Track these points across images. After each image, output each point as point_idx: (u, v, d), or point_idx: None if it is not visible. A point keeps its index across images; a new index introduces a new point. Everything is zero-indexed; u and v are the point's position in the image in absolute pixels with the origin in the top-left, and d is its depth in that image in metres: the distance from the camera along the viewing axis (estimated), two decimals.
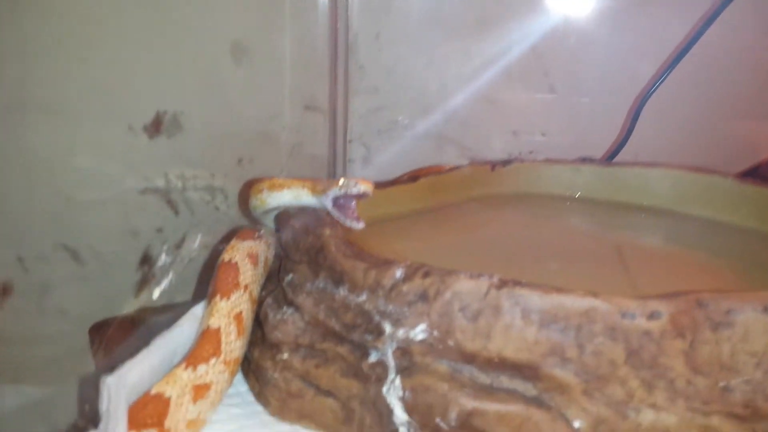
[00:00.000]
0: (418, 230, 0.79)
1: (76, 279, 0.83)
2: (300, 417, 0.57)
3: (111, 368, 0.51)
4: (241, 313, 0.60)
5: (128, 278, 0.86)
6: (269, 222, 0.71)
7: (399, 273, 0.50)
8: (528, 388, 0.47)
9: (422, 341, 0.49)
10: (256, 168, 0.93)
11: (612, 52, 1.00)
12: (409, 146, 1.07)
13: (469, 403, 0.47)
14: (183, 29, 0.85)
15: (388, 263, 0.51)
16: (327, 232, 0.58)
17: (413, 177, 0.83)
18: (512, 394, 0.47)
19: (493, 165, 0.90)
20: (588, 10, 0.99)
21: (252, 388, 0.61)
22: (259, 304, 0.63)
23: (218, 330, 0.58)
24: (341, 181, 0.62)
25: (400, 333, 0.49)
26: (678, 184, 0.84)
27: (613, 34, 1.00)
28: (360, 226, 0.62)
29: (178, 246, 0.88)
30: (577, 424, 0.46)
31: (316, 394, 0.55)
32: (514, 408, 0.46)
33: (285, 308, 0.59)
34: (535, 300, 0.46)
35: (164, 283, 0.86)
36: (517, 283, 0.46)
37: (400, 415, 0.50)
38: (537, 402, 0.46)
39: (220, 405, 0.60)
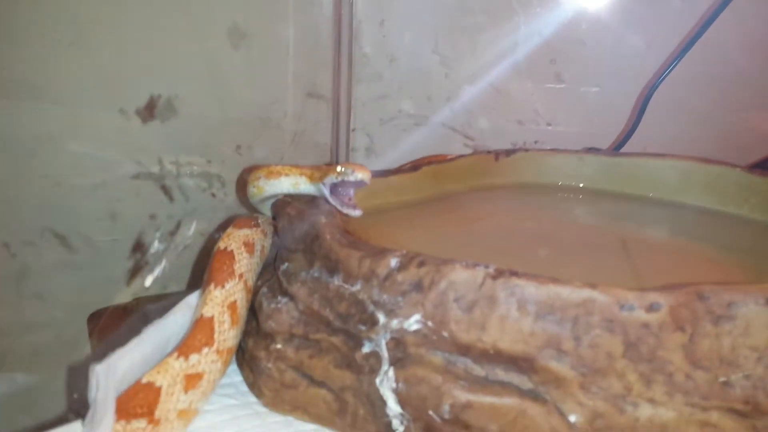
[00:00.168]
0: (419, 220, 0.78)
1: (66, 266, 0.82)
2: (293, 408, 0.56)
3: (101, 357, 0.50)
4: (235, 302, 0.60)
5: (120, 265, 0.86)
6: (267, 210, 0.70)
7: (394, 262, 0.50)
8: (523, 381, 0.46)
9: (416, 332, 0.48)
10: (255, 155, 0.92)
11: (620, 41, 0.99)
12: (413, 135, 1.06)
13: (463, 395, 0.46)
14: (179, 12, 0.85)
15: (383, 252, 0.51)
16: (323, 220, 0.57)
17: (415, 166, 0.82)
18: (507, 387, 0.46)
19: (497, 154, 0.89)
20: None
21: (246, 379, 0.61)
22: (254, 294, 0.62)
23: (211, 319, 0.57)
24: (339, 168, 0.62)
25: (394, 323, 0.49)
26: (685, 175, 0.83)
27: (622, 22, 0.98)
28: (357, 213, 0.62)
29: (173, 233, 0.88)
30: (573, 418, 0.45)
31: (310, 384, 0.55)
32: (508, 401, 0.46)
33: (279, 297, 0.58)
34: (531, 291, 0.45)
35: (157, 271, 0.86)
36: (514, 273, 0.46)
37: (393, 407, 0.49)
38: (532, 395, 0.46)
39: (214, 395, 0.59)
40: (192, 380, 0.54)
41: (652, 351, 0.43)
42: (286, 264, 0.60)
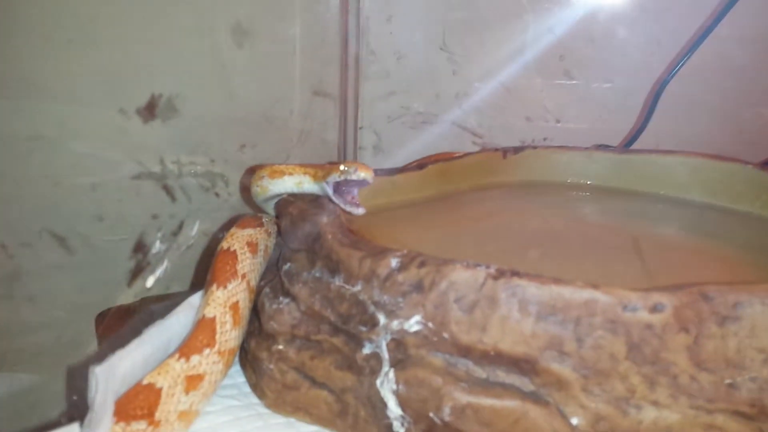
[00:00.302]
0: (425, 219, 0.78)
1: (65, 267, 0.82)
2: (295, 409, 0.56)
3: (101, 358, 0.50)
4: (237, 302, 0.60)
5: (121, 266, 0.86)
6: (271, 209, 0.70)
7: (395, 262, 0.49)
8: (525, 383, 0.46)
9: (417, 333, 0.48)
10: (260, 154, 0.92)
11: (630, 36, 0.98)
12: (420, 133, 1.05)
13: (464, 397, 0.46)
14: (181, 11, 0.84)
15: (383, 252, 0.50)
16: (324, 219, 0.57)
17: (421, 164, 0.82)
18: (508, 389, 0.46)
19: (505, 152, 0.88)
20: None
21: (249, 380, 0.61)
22: (257, 294, 0.62)
23: (213, 320, 0.57)
24: (342, 166, 0.61)
25: (395, 324, 0.48)
26: (696, 172, 0.82)
27: (631, 17, 0.97)
28: (360, 211, 0.61)
29: (175, 233, 0.87)
30: (575, 420, 0.44)
31: (311, 386, 0.55)
32: (510, 403, 0.45)
33: (281, 298, 0.58)
34: (533, 291, 0.44)
35: (159, 272, 0.86)
36: (515, 273, 0.45)
37: (393, 408, 0.49)
38: (534, 397, 0.45)
39: (216, 396, 0.60)
40: (193, 381, 0.54)
41: (656, 353, 0.43)
42: (289, 264, 0.60)
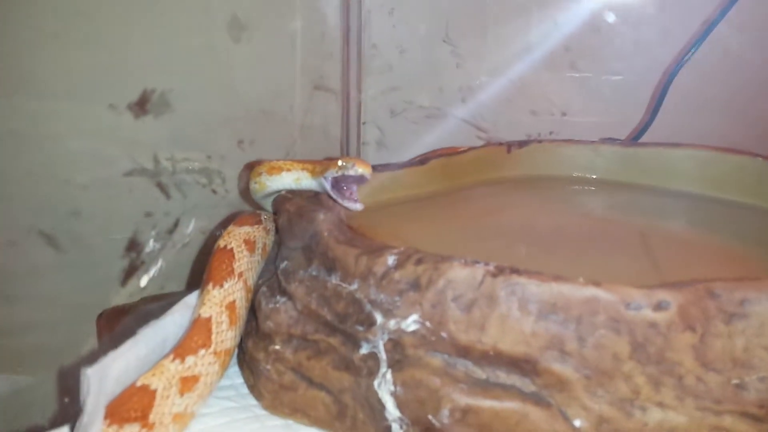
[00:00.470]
0: (428, 215, 0.77)
1: (54, 265, 0.81)
2: (293, 411, 0.55)
3: (93, 359, 0.50)
4: (234, 302, 0.59)
5: (114, 265, 0.85)
6: (269, 206, 0.69)
7: (391, 260, 0.48)
8: (526, 384, 0.45)
9: (414, 333, 0.46)
10: (259, 150, 0.91)
11: (637, 27, 0.96)
12: (424, 128, 1.04)
13: (463, 399, 0.45)
14: (173, 4, 0.83)
15: (380, 249, 0.49)
16: (321, 216, 0.56)
17: (423, 159, 0.81)
18: (509, 391, 0.45)
19: (509, 146, 0.87)
20: None
21: (246, 381, 0.60)
22: (255, 293, 0.61)
23: (209, 319, 0.56)
24: (340, 162, 0.61)
25: (392, 324, 0.47)
26: (704, 165, 0.80)
27: (638, 8, 0.95)
28: (358, 207, 0.60)
29: (170, 232, 0.87)
30: (577, 422, 0.43)
31: (309, 387, 0.54)
32: (510, 405, 0.44)
33: (278, 297, 0.57)
34: (533, 289, 0.43)
35: (153, 270, 0.85)
36: (514, 271, 0.44)
37: (392, 410, 0.48)
38: (535, 399, 0.44)
39: (213, 397, 0.59)
40: (188, 383, 0.53)
41: (661, 352, 0.41)
42: (286, 262, 0.59)
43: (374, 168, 0.81)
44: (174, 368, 0.53)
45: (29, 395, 0.79)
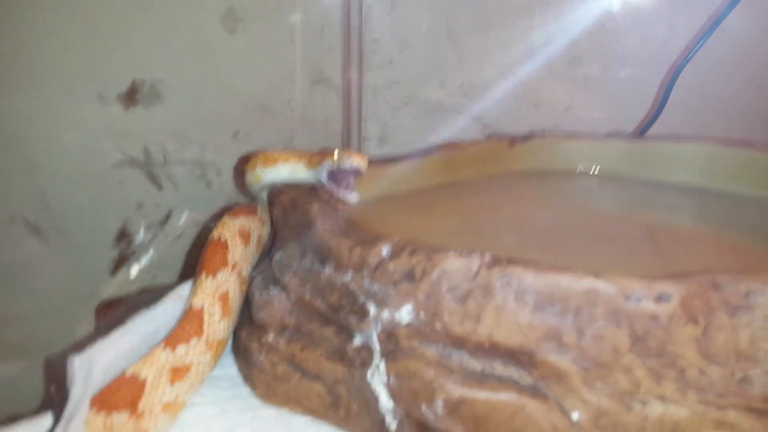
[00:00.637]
0: (428, 209, 0.76)
1: (41, 256, 0.80)
2: (286, 401, 0.55)
3: (81, 348, 0.49)
4: (227, 292, 0.58)
5: (103, 256, 0.84)
6: (266, 198, 0.68)
7: (385, 250, 0.47)
8: (522, 376, 0.43)
9: (408, 324, 0.45)
10: (254, 142, 0.90)
11: (643, 21, 0.94)
12: (426, 123, 1.03)
13: (456, 390, 0.44)
14: None
15: (374, 240, 0.48)
16: (315, 208, 0.55)
17: (424, 153, 0.80)
18: (504, 383, 0.43)
19: (512, 140, 0.86)
20: None
21: (241, 371, 0.59)
22: (249, 284, 0.60)
23: (201, 310, 0.56)
24: (335, 153, 0.60)
25: (385, 315, 0.46)
26: (711, 159, 0.79)
27: (644, 1, 0.94)
28: (354, 199, 0.59)
29: (163, 223, 0.85)
30: (575, 415, 0.42)
31: (302, 377, 0.53)
32: (505, 397, 0.43)
33: (272, 288, 0.56)
34: (529, 280, 0.42)
35: (144, 261, 0.83)
36: (511, 261, 0.43)
37: (385, 402, 0.47)
38: (532, 391, 0.43)
39: (208, 387, 0.58)
40: (179, 372, 0.53)
41: (662, 345, 0.40)
42: (280, 253, 0.58)
43: (374, 161, 0.80)
44: (165, 357, 0.52)
45: (17, 384, 0.79)
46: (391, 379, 0.46)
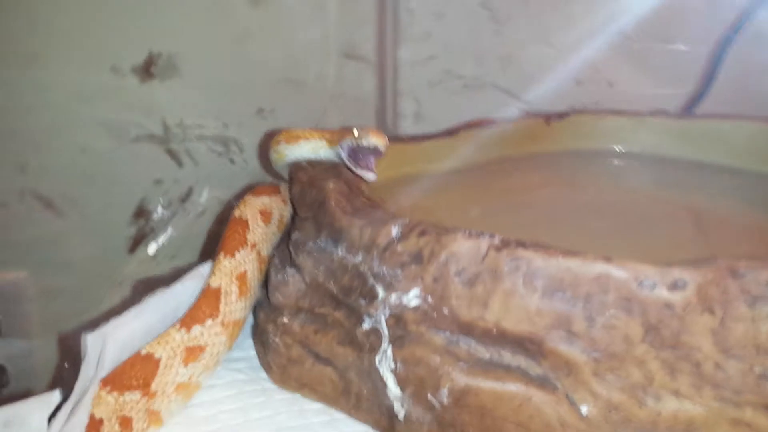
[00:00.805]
0: (455, 189, 0.75)
1: (55, 230, 0.82)
2: (300, 385, 0.55)
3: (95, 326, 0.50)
4: (245, 272, 0.59)
5: (120, 232, 0.86)
6: None
7: (395, 231, 0.47)
8: (531, 366, 0.42)
9: (416, 308, 0.45)
10: (281, 118, 0.89)
11: None
12: (463, 99, 1.01)
13: (462, 379, 0.43)
14: None
15: (384, 220, 0.48)
16: (330, 185, 0.55)
17: (452, 131, 0.78)
18: (512, 372, 0.43)
19: (548, 117, 0.83)
20: None
21: (258, 353, 0.60)
22: (268, 264, 0.61)
23: (218, 290, 0.56)
24: (355, 131, 0.59)
25: (393, 298, 0.46)
26: (758, 138, 0.75)
27: None
28: (371, 177, 0.59)
29: (183, 200, 0.86)
30: (584, 409, 0.41)
31: (316, 361, 0.53)
32: (512, 387, 0.42)
33: (288, 269, 0.56)
34: (539, 264, 0.41)
35: (162, 238, 0.84)
36: (520, 244, 0.42)
37: (393, 388, 0.47)
38: (540, 382, 0.42)
39: (224, 369, 0.59)
40: (193, 353, 0.53)
41: (676, 335, 0.38)
42: (297, 233, 0.58)
43: (403, 139, 0.80)
44: (180, 338, 0.53)
45: (32, 360, 0.81)
46: (398, 365, 0.46)
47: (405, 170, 0.74)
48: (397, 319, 0.46)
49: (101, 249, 0.84)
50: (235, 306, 0.57)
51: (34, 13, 0.76)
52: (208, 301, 0.56)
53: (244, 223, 0.61)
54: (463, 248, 0.43)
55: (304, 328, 0.54)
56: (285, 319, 0.55)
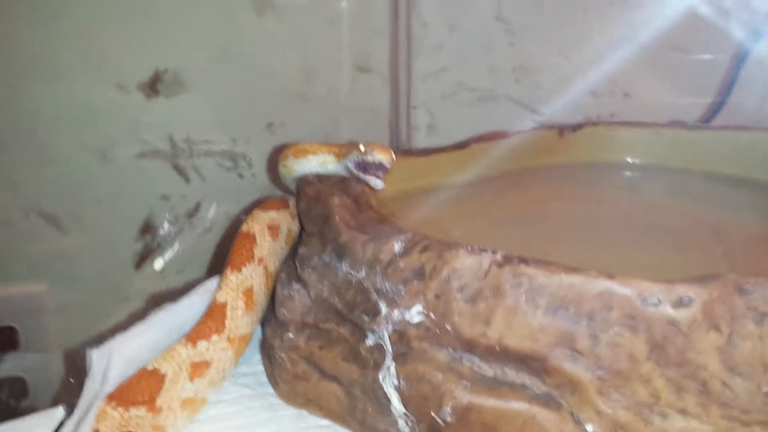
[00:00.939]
0: (465, 203, 0.75)
1: (60, 247, 0.83)
2: (306, 402, 0.55)
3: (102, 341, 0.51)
4: (251, 287, 0.59)
5: (126, 248, 0.87)
6: None
7: (398, 247, 0.47)
8: (536, 384, 0.42)
9: (418, 324, 0.45)
10: (291, 133, 0.89)
11: None
12: (477, 111, 1.01)
13: (465, 396, 0.43)
14: None
15: (388, 235, 0.48)
16: (335, 200, 0.55)
17: (463, 144, 0.78)
18: (516, 390, 0.42)
19: (561, 129, 0.83)
20: None
21: (265, 368, 0.60)
22: (275, 279, 0.61)
23: (224, 305, 0.57)
24: (360, 146, 0.60)
25: (395, 314, 0.46)
26: None
27: None
28: (379, 184, 0.59)
29: (190, 215, 0.87)
30: (590, 428, 0.41)
31: (321, 377, 0.53)
32: (515, 405, 0.42)
33: (294, 284, 0.57)
34: (542, 280, 0.41)
35: (169, 254, 0.85)
36: (522, 260, 0.42)
37: (397, 405, 0.47)
38: (544, 400, 0.42)
39: (231, 384, 0.59)
40: (198, 368, 0.54)
41: (682, 353, 0.38)
42: (303, 248, 0.58)
43: (412, 153, 0.80)
44: (185, 353, 0.53)
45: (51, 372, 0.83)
46: (402, 382, 0.46)
47: (417, 183, 0.74)
48: (400, 335, 0.46)
49: (108, 265, 0.85)
50: (242, 321, 0.57)
51: (39, 30, 0.78)
52: (213, 316, 0.56)
53: (252, 238, 0.62)
54: (465, 264, 0.43)
55: (310, 344, 0.54)
56: (291, 335, 0.55)
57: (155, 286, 0.87)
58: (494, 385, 0.43)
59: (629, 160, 0.83)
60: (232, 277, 0.58)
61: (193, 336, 0.55)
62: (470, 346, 0.43)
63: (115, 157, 0.84)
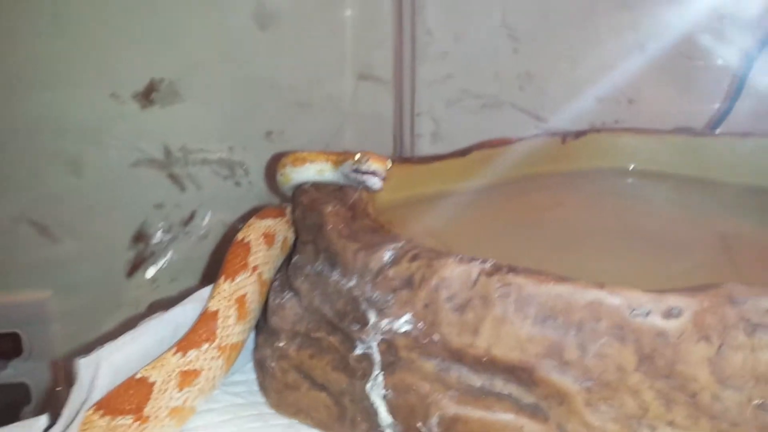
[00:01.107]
0: (465, 211, 0.74)
1: (50, 256, 0.84)
2: (297, 411, 0.55)
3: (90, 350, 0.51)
4: (244, 296, 0.59)
5: (118, 257, 0.87)
6: None
7: (388, 256, 0.47)
8: (523, 394, 0.42)
9: (406, 334, 0.45)
10: (291, 141, 0.90)
11: (716, 4, 0.89)
12: (481, 118, 1.01)
13: (451, 407, 0.43)
14: None
15: (378, 244, 0.48)
16: (329, 209, 0.55)
17: (464, 151, 0.78)
18: (503, 401, 0.42)
19: (564, 136, 0.83)
20: None
21: (257, 377, 0.60)
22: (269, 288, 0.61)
23: (216, 313, 0.57)
24: (356, 155, 0.59)
25: (384, 324, 0.46)
26: None
27: None
28: (377, 185, 0.59)
29: (185, 223, 0.87)
30: None
31: (311, 387, 0.53)
32: (503, 416, 0.42)
33: (286, 293, 0.57)
34: (530, 290, 0.40)
35: (162, 262, 0.85)
36: (511, 270, 0.41)
37: (384, 416, 0.47)
38: (531, 411, 0.41)
39: (223, 393, 0.59)
40: (188, 377, 0.54)
41: (671, 365, 0.38)
42: (296, 257, 0.58)
43: (413, 160, 0.80)
44: (175, 362, 0.53)
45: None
46: (389, 392, 0.46)
47: (418, 191, 0.74)
48: (389, 345, 0.46)
49: (101, 273, 0.86)
50: (233, 329, 0.57)
51: (34, 39, 0.78)
52: (205, 324, 0.56)
53: (246, 246, 0.62)
54: (454, 273, 0.43)
55: (300, 353, 0.54)
56: (282, 344, 0.55)
57: (148, 295, 0.87)
58: (481, 396, 0.43)
59: (632, 166, 0.82)
60: (224, 286, 0.58)
61: (184, 344, 0.55)
62: (458, 356, 0.43)
63: (110, 166, 0.85)
